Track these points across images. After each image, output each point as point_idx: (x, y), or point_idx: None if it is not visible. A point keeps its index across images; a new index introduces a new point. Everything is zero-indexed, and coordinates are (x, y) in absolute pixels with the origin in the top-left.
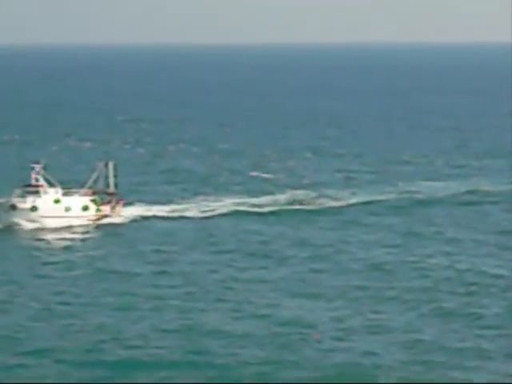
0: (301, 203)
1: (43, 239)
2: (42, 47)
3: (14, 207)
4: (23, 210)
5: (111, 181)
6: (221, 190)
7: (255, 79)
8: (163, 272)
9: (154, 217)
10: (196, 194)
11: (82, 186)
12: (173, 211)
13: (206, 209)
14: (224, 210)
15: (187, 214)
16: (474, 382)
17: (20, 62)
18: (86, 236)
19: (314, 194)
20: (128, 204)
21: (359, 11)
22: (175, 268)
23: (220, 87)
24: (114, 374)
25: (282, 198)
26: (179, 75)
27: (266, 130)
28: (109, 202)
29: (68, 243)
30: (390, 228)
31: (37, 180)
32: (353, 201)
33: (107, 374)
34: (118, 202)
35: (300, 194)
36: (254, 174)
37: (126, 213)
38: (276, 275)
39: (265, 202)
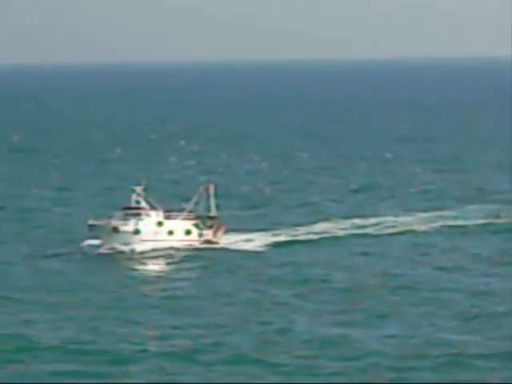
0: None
1: (146, 263)
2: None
3: (116, 230)
4: (125, 232)
5: (212, 204)
6: None
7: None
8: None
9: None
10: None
11: (181, 209)
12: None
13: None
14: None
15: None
16: (475, 382)
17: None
18: (190, 261)
19: None
20: (229, 230)
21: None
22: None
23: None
24: None
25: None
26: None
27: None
28: (211, 227)
29: (172, 268)
30: None
31: (138, 202)
32: None
33: None
34: (219, 227)
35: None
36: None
37: (228, 238)
38: None
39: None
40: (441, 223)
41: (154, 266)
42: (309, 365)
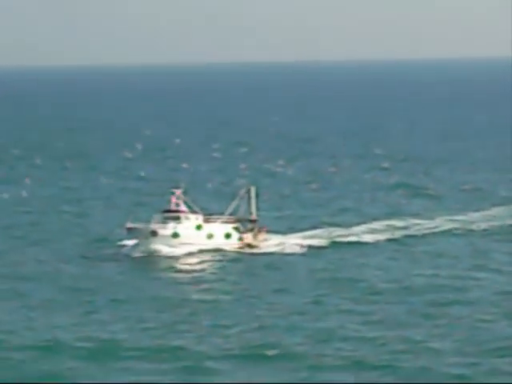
0: None
1: (186, 268)
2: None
3: (154, 233)
4: (164, 236)
5: (253, 207)
6: None
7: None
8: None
9: (310, 246)
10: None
11: (221, 212)
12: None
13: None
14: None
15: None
16: (474, 382)
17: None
18: (231, 265)
19: None
20: (270, 232)
21: None
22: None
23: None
24: None
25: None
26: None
27: None
28: (251, 230)
29: (212, 271)
30: None
31: (177, 205)
32: None
33: None
34: (260, 230)
35: None
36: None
37: (269, 241)
38: None
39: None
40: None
41: (189, 270)
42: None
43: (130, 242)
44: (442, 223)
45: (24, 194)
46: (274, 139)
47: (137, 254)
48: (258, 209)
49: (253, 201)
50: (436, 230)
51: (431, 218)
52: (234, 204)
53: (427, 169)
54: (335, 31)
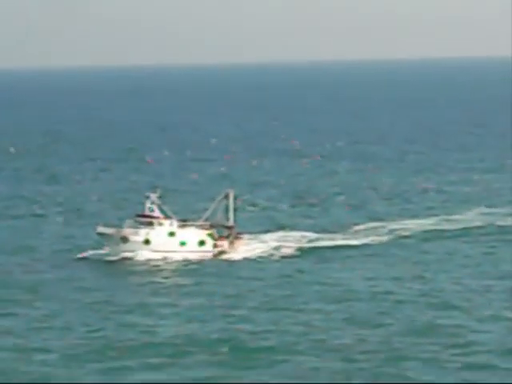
0: None
1: (154, 276)
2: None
3: (125, 239)
4: (135, 242)
5: (231, 213)
6: None
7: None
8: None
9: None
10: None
11: (199, 217)
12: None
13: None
14: None
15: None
16: (474, 382)
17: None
18: (201, 274)
19: None
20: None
21: None
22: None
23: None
24: None
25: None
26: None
27: None
28: (227, 237)
29: (179, 280)
30: None
31: (151, 210)
32: None
33: None
34: (236, 237)
35: None
36: None
37: (246, 248)
38: None
39: None
40: None
41: (157, 278)
42: None
43: (93, 252)
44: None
45: None
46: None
47: (107, 259)
48: (235, 215)
49: (231, 206)
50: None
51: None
52: (211, 209)
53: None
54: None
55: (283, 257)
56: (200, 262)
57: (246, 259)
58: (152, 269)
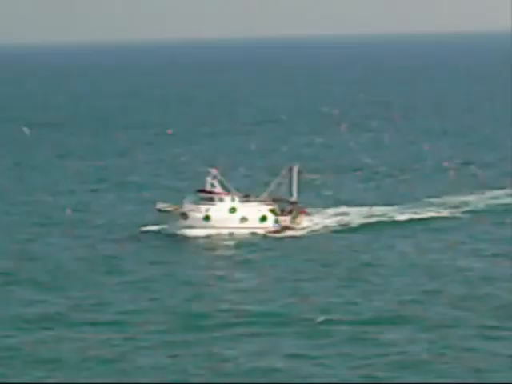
0: None
1: (214, 253)
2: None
3: (185, 216)
4: (195, 219)
5: (294, 188)
6: None
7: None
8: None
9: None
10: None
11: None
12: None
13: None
14: None
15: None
16: (474, 382)
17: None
18: (261, 251)
19: None
20: (308, 214)
21: None
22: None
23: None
24: None
25: None
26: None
27: None
28: (290, 212)
29: (241, 258)
30: None
31: (212, 186)
32: None
33: None
34: (299, 212)
35: None
36: None
37: (309, 223)
38: None
39: None
40: None
41: (217, 255)
42: None
43: (154, 228)
44: None
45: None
46: None
47: (166, 235)
48: (299, 190)
49: (294, 181)
50: None
51: None
52: (274, 183)
53: None
54: None
55: (349, 230)
56: (262, 238)
57: (311, 233)
58: (211, 245)
